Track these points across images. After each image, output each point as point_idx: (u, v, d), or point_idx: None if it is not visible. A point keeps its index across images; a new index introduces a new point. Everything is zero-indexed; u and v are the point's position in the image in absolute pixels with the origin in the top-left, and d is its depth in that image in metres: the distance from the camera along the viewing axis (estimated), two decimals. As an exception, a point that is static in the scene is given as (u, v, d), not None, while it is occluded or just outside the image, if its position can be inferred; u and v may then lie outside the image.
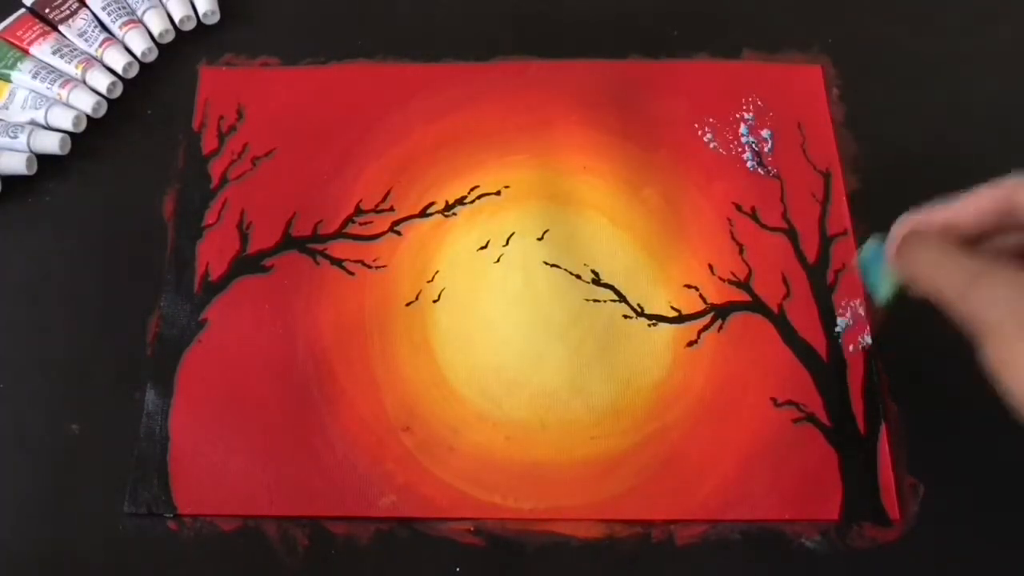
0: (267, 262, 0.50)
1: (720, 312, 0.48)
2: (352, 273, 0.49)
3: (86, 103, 0.53)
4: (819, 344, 0.47)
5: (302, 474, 0.44)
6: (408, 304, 0.48)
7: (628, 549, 0.43)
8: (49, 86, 0.53)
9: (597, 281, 0.49)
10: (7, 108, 0.52)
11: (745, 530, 0.43)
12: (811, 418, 0.45)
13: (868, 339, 0.47)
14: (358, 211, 0.51)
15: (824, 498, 0.43)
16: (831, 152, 0.52)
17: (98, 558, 0.43)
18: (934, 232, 0.37)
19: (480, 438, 0.45)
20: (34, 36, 0.55)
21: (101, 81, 0.53)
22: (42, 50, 0.54)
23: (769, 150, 0.52)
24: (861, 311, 0.48)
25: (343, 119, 0.53)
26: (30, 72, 0.53)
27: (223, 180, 0.52)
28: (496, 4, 0.57)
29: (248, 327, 0.48)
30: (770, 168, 0.52)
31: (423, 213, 0.50)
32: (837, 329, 0.47)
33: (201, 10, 0.56)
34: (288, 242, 0.50)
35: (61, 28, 0.55)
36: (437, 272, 0.49)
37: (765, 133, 0.53)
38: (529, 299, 0.48)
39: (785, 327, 0.47)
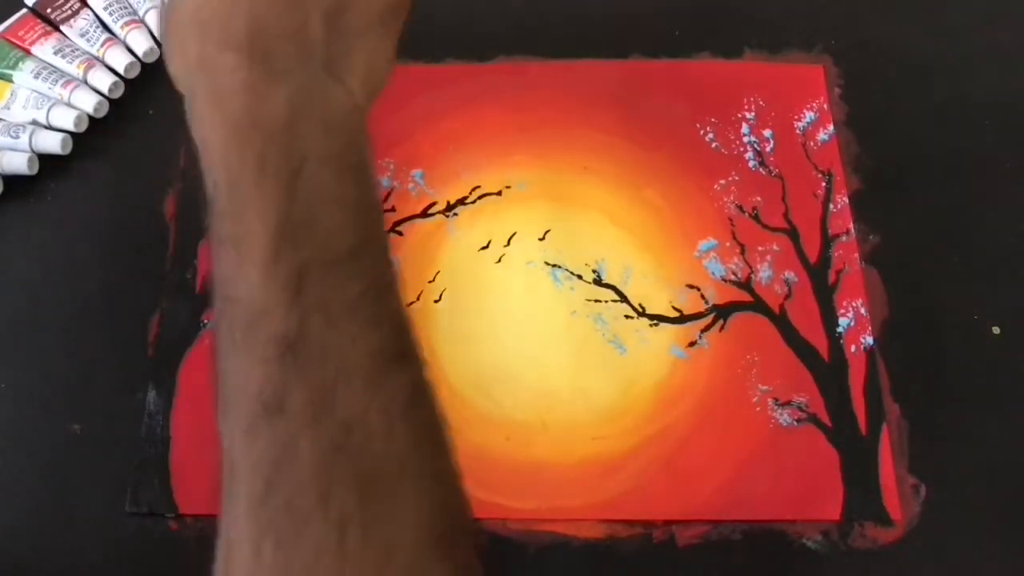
0: (268, 262, 0.49)
1: (721, 312, 0.48)
2: (353, 273, 0.49)
3: (88, 103, 0.53)
4: (820, 344, 0.47)
5: (303, 474, 0.44)
6: (409, 304, 0.48)
7: (629, 549, 0.43)
8: (51, 86, 0.53)
9: (598, 281, 0.49)
10: (9, 108, 0.53)
11: (747, 530, 0.43)
12: (812, 418, 0.45)
13: (870, 340, 0.47)
14: (359, 211, 0.51)
15: (825, 498, 0.43)
16: (833, 152, 0.52)
17: (99, 558, 0.43)
18: None
19: (482, 438, 0.45)
20: (36, 36, 0.55)
21: (103, 81, 0.53)
22: (44, 50, 0.54)
23: (771, 150, 0.52)
24: (863, 311, 0.48)
25: (344, 119, 0.53)
26: (32, 72, 0.53)
27: (224, 180, 0.52)
28: (496, 4, 0.57)
29: (249, 327, 0.48)
30: (772, 168, 0.52)
31: (424, 213, 0.50)
32: (839, 329, 0.47)
33: (202, 10, 0.56)
34: (289, 242, 0.50)
35: (63, 28, 0.55)
36: (438, 272, 0.49)
37: (767, 133, 0.53)
38: (530, 299, 0.48)
39: (786, 327, 0.47)
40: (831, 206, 0.50)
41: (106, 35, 0.55)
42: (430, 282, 0.49)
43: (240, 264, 0.28)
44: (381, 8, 0.35)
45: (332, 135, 0.30)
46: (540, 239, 0.50)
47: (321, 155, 0.30)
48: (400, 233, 0.50)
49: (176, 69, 0.33)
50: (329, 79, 0.32)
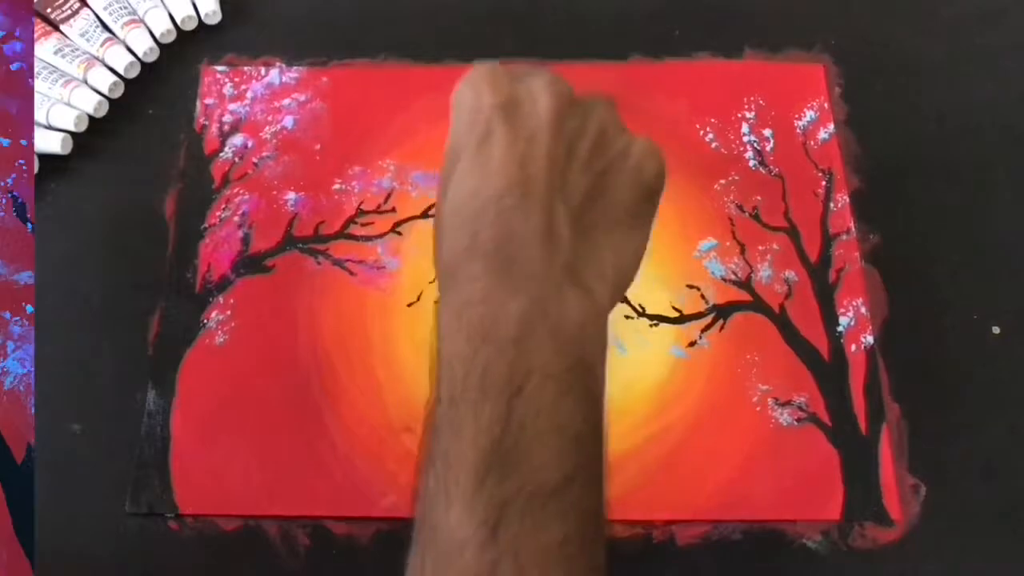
0: (269, 262, 0.50)
1: (721, 312, 0.48)
2: (353, 274, 0.49)
3: (88, 103, 0.53)
4: (821, 344, 0.47)
5: (303, 474, 0.44)
6: (410, 304, 0.48)
7: (629, 549, 0.43)
8: (51, 86, 0.53)
9: (598, 281, 0.48)
10: (9, 108, 0.53)
11: (746, 530, 0.43)
12: (812, 418, 0.45)
13: (870, 339, 0.47)
14: (359, 212, 0.51)
15: (825, 498, 0.43)
16: (833, 151, 0.52)
17: (99, 558, 0.43)
18: None
19: (481, 438, 0.45)
20: (36, 36, 0.55)
21: (103, 81, 0.54)
22: (44, 50, 0.54)
23: (771, 149, 0.52)
24: (863, 311, 0.48)
25: (345, 120, 0.53)
26: (32, 72, 0.53)
27: (225, 180, 0.52)
28: (496, 4, 0.57)
29: (249, 327, 0.48)
30: (772, 167, 0.52)
31: (425, 214, 0.50)
32: (839, 329, 0.47)
33: (203, 10, 0.56)
34: (290, 242, 0.50)
35: (63, 28, 0.55)
36: (438, 272, 0.49)
37: (767, 132, 0.53)
38: (530, 299, 0.48)
39: (787, 327, 0.47)
40: (831, 205, 0.50)
41: (106, 35, 0.55)
42: (430, 283, 0.48)
43: (445, 490, 0.28)
44: (631, 199, 0.34)
45: (561, 352, 0.30)
46: (540, 239, 0.50)
47: (547, 371, 0.29)
48: (400, 233, 0.50)
49: (436, 266, 0.34)
50: (569, 286, 0.31)
